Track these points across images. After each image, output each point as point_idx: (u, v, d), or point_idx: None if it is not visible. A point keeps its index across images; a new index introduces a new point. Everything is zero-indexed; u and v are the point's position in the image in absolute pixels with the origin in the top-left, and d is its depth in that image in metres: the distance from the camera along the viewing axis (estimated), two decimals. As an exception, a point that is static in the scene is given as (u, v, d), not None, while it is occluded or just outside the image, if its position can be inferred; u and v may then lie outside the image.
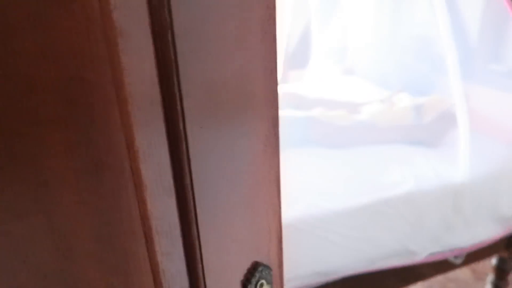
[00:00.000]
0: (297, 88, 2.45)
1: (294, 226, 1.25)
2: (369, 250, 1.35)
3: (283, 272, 0.47)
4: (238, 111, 0.35)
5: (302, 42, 2.72)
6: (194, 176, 0.34)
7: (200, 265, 0.37)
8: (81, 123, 0.28)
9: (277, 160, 0.40)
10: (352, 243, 1.33)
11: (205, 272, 0.37)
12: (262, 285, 0.42)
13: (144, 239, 0.33)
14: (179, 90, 0.31)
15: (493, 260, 1.82)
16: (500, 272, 1.82)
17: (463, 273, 2.00)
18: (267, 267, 0.42)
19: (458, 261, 1.55)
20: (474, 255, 1.58)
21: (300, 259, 1.28)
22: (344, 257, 1.32)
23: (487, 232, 1.51)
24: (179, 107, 0.31)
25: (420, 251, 1.42)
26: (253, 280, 0.41)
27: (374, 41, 2.80)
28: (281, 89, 2.39)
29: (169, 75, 0.30)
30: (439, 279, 1.91)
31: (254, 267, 0.42)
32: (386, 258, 1.38)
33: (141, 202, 0.32)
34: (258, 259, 0.42)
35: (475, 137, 1.59)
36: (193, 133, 0.33)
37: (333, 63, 2.70)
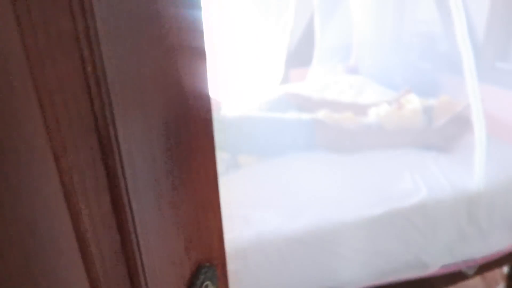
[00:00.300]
0: (300, 88, 2.37)
1: (301, 239, 1.18)
2: (380, 264, 1.28)
3: (227, 272, 0.46)
4: (167, 110, 0.35)
5: (305, 39, 2.64)
6: (128, 180, 0.33)
7: (142, 273, 0.36)
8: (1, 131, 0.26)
9: (213, 157, 0.41)
10: (363, 256, 1.25)
11: (148, 279, 0.36)
12: (207, 286, 0.42)
13: (79, 253, 0.32)
14: (108, 96, 0.30)
15: (505, 268, 1.76)
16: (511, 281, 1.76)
17: (473, 280, 1.93)
18: (211, 267, 0.43)
19: (471, 271, 1.48)
20: (487, 265, 1.51)
21: (309, 274, 1.20)
22: (355, 271, 1.25)
23: (502, 242, 1.44)
24: (108, 109, 0.30)
25: (433, 263, 1.35)
26: (198, 282, 0.41)
27: (377, 38, 2.72)
28: (284, 89, 2.31)
29: (98, 81, 0.29)
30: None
31: (198, 269, 0.42)
32: (398, 271, 1.31)
33: (74, 212, 0.30)
34: (202, 260, 0.42)
35: (487, 141, 1.52)
36: (124, 138, 0.32)
37: (337, 62, 2.62)
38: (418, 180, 1.37)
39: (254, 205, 1.30)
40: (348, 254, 1.24)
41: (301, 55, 2.64)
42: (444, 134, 1.56)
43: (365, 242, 1.25)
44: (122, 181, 0.32)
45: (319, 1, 2.50)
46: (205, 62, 0.37)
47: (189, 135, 0.38)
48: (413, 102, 1.79)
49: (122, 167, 0.32)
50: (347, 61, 2.67)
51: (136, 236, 0.34)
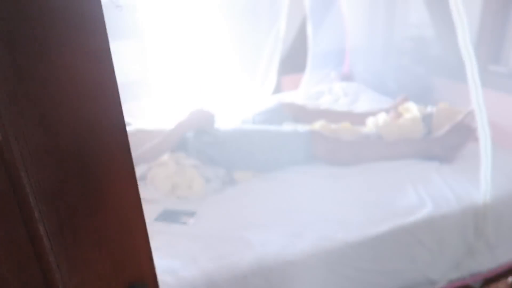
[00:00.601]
0: (294, 97, 2.31)
1: (305, 262, 1.12)
2: (387, 283, 1.22)
3: (158, 287, 0.47)
4: (79, 139, 0.35)
5: (295, 45, 2.59)
6: (42, 210, 0.32)
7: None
8: None
9: (133, 179, 0.40)
10: (368, 276, 1.19)
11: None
12: None
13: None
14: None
15: (510, 278, 1.71)
16: (517, 291, 1.71)
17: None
18: (142, 286, 0.43)
19: (477, 285, 1.43)
20: (493, 277, 1.47)
21: (312, 298, 1.14)
22: (360, 293, 1.19)
23: (510, 254, 1.39)
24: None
25: (440, 279, 1.29)
26: (130, 301, 0.42)
27: (369, 43, 2.69)
28: (278, 98, 2.26)
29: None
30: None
31: (129, 289, 0.42)
32: (404, 290, 1.25)
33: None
34: (132, 279, 0.42)
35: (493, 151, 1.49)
36: (35, 169, 0.31)
37: (331, 69, 2.57)
38: (422, 194, 1.32)
39: (254, 226, 1.23)
40: (353, 275, 1.18)
41: (291, 61, 2.59)
42: (446, 143, 1.51)
43: (370, 262, 1.19)
44: (37, 212, 0.32)
45: (311, 7, 2.46)
46: (116, 85, 0.36)
47: (105, 161, 0.37)
48: (412, 110, 1.74)
49: (35, 198, 0.31)
50: (341, 67, 2.62)
51: (58, 266, 0.34)
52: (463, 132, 1.50)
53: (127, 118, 1.84)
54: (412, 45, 2.56)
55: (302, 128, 1.69)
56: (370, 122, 1.75)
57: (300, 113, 1.96)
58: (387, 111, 1.90)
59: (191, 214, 1.29)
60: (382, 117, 1.72)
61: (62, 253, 0.34)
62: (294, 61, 2.60)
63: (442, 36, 2.32)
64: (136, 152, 1.55)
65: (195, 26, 2.21)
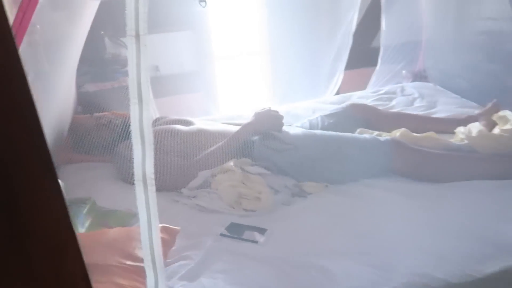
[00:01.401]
0: (363, 98, 2.11)
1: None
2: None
3: None
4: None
5: (357, 38, 2.37)
6: None
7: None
8: None
9: (60, 196, 0.37)
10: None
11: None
12: None
13: None
14: None
15: None
16: None
17: None
18: None
19: None
20: None
21: None
22: None
23: None
24: None
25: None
26: (66, 323, 0.41)
27: (437, 38, 2.43)
28: (345, 98, 2.07)
29: None
30: None
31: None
32: None
33: None
34: None
35: None
36: None
37: (402, 66, 2.34)
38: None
39: (333, 252, 1.07)
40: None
41: (362, 56, 2.37)
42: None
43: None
44: None
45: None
46: (33, 103, 0.33)
47: (28, 184, 0.35)
48: (510, 119, 1.50)
49: None
50: (414, 65, 2.38)
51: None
52: None
53: (187, 116, 1.73)
54: (487, 39, 2.28)
55: (378, 135, 1.50)
56: (460, 132, 1.52)
57: (373, 117, 1.76)
58: (476, 119, 1.66)
59: (262, 231, 1.14)
60: (475, 127, 1.49)
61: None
62: (353, 56, 2.38)
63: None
64: (198, 155, 1.43)
65: (258, 17, 2.06)
